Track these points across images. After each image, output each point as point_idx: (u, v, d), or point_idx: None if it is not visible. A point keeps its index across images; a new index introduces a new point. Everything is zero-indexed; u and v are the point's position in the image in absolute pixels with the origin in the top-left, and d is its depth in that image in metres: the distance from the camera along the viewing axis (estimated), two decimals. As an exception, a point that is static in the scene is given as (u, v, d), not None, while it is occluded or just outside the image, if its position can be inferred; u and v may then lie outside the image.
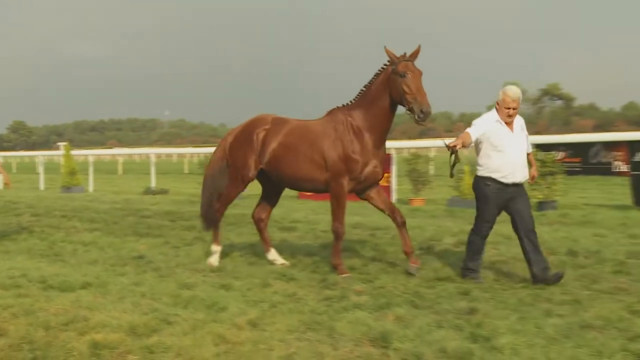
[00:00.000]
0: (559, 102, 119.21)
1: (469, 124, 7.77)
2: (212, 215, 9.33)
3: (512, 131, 7.54)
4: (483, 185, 7.59)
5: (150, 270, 8.47)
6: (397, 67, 7.82)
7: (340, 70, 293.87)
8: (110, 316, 6.12)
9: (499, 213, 7.70)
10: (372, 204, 8.80)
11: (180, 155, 59.47)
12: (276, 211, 15.67)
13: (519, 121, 7.67)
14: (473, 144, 7.65)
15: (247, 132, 8.98)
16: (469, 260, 7.73)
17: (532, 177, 7.89)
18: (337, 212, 8.47)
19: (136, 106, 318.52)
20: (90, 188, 25.13)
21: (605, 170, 24.03)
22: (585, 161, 25.13)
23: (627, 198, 14.98)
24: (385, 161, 17.78)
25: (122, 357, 5.18)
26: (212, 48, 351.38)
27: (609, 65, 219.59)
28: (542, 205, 14.62)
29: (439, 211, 15.03)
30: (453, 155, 7.52)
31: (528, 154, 7.80)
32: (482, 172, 7.61)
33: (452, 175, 7.97)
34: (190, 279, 7.93)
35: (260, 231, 9.41)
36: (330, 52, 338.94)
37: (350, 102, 8.47)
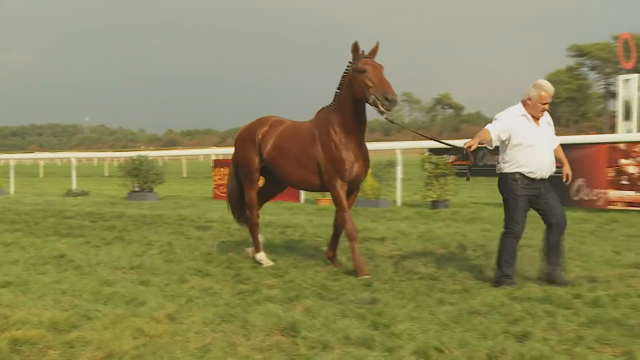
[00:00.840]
0: (450, 111, 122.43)
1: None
2: (245, 216, 9.04)
3: (538, 125, 6.92)
4: (511, 182, 6.87)
5: (71, 268, 8.22)
6: (356, 65, 7.52)
7: (271, 80, 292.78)
8: (31, 313, 5.92)
9: (528, 210, 7.02)
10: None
11: (100, 159, 58.00)
12: (192, 211, 15.59)
13: (545, 117, 7.02)
14: (495, 142, 6.96)
15: (249, 133, 8.66)
16: (504, 267, 6.89)
17: (566, 176, 7.05)
18: (342, 216, 7.96)
19: (57, 112, 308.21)
20: (12, 190, 24.26)
21: (491, 172, 24.61)
22: (472, 164, 25.69)
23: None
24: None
25: (43, 353, 5.01)
26: (131, 55, 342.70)
27: (492, 77, 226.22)
28: (435, 204, 14.97)
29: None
30: (470, 156, 7.02)
31: (556, 150, 7.10)
32: (508, 169, 6.92)
33: (468, 179, 7.83)
34: (111, 276, 7.76)
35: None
36: (248, 60, 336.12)
37: (332, 103, 8.09)
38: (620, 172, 13.04)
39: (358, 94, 7.54)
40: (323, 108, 8.25)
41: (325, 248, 8.79)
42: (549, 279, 6.85)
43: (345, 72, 7.83)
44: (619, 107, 26.28)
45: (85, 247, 10.08)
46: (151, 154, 23.52)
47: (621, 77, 26.51)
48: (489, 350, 4.73)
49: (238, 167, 8.91)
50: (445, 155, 16.61)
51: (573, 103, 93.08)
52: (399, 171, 16.75)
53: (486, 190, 18.83)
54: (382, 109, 7.29)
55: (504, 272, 6.87)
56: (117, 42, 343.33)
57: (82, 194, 22.37)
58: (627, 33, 28.23)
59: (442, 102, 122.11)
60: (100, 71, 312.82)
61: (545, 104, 6.83)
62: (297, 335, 5.22)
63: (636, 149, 12.80)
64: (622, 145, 13.24)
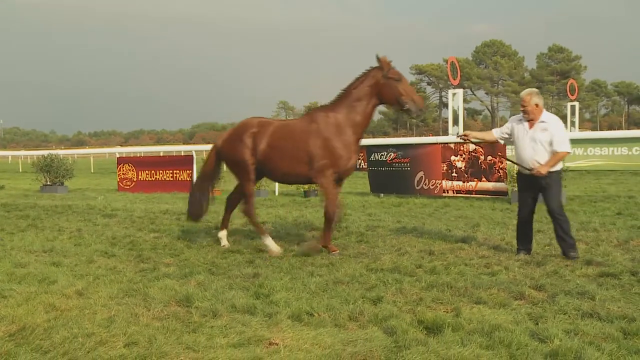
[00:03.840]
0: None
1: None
2: (197, 211, 8.36)
3: (530, 129, 6.84)
4: (517, 174, 7.30)
5: (-15, 254, 7.63)
6: (388, 72, 7.16)
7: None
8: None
9: (531, 199, 7.00)
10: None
11: (14, 157, 54.44)
12: (99, 201, 14.90)
13: (543, 122, 6.80)
14: (500, 140, 7.38)
15: (236, 135, 7.90)
16: (518, 242, 7.12)
17: (533, 169, 6.79)
18: (329, 199, 7.33)
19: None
20: None
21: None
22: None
23: (366, 187, 15.86)
24: (188, 160, 17.55)
25: (-42, 330, 4.61)
26: (45, 58, 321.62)
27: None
28: (307, 194, 15.07)
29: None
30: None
31: (556, 152, 6.72)
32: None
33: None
34: (24, 259, 7.28)
35: (227, 211, 8.43)
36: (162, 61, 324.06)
37: (331, 102, 7.57)
38: (451, 166, 13.66)
39: (389, 99, 7.30)
40: (316, 108, 7.88)
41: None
42: (564, 254, 6.73)
43: (363, 75, 7.41)
44: (449, 115, 27.52)
45: (0, 234, 9.41)
46: (62, 152, 22.32)
47: (450, 91, 27.77)
48: (350, 313, 4.81)
49: (231, 168, 8.14)
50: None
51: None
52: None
53: (348, 182, 19.21)
54: (414, 116, 7.38)
55: (517, 245, 7.12)
56: (28, 47, 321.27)
57: (-3, 187, 20.90)
58: (453, 57, 29.57)
59: (312, 108, 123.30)
60: (13, 73, 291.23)
61: (521, 108, 6.91)
62: (191, 306, 5.11)
63: (462, 149, 13.45)
64: (452, 145, 13.86)
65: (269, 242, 7.70)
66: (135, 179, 18.64)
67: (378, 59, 7.35)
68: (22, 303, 5.24)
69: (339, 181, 7.59)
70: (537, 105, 6.83)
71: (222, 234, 8.30)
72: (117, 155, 22.60)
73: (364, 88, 7.37)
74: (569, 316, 4.62)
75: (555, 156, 6.76)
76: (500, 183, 12.90)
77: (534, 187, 6.93)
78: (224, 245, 8.06)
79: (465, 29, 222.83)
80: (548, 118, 6.89)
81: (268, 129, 7.77)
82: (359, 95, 7.38)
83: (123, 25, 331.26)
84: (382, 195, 14.49)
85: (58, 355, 4.04)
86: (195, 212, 8.43)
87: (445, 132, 50.22)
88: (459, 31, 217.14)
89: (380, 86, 7.29)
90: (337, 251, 7.36)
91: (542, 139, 6.77)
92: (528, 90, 7.00)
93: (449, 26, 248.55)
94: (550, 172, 6.77)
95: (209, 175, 8.46)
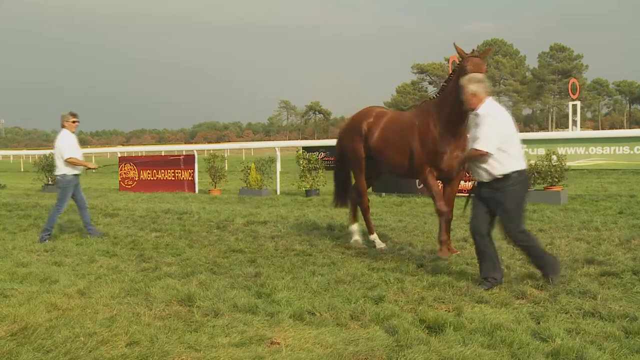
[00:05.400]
0: (320, 116, 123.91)
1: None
2: (342, 199, 8.49)
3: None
4: None
5: (-13, 253, 7.66)
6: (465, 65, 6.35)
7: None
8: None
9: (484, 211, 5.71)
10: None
11: (16, 156, 54.54)
12: (101, 201, 14.92)
13: (476, 117, 5.62)
14: None
15: (354, 125, 7.82)
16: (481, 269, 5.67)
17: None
18: (435, 197, 6.89)
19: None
20: None
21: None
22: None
23: (367, 186, 15.80)
24: (189, 160, 17.55)
25: (-39, 329, 4.62)
26: (46, 58, 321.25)
27: (355, 89, 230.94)
28: (308, 193, 15.08)
29: (232, 199, 15.00)
30: None
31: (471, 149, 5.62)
32: None
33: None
34: (26, 258, 7.31)
35: (352, 204, 8.20)
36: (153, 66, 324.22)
37: (436, 95, 7.14)
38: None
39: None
40: (425, 101, 7.43)
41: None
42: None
43: (453, 71, 6.84)
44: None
45: (1, 234, 9.43)
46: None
47: (452, 91, 27.74)
48: (351, 312, 4.81)
49: (346, 158, 8.06)
50: (316, 153, 16.80)
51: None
52: (278, 165, 16.77)
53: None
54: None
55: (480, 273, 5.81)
56: (30, 47, 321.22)
57: (-2, 187, 20.93)
58: (455, 56, 29.59)
59: (313, 108, 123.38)
60: (15, 74, 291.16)
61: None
62: (193, 305, 5.12)
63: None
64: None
65: (374, 238, 7.88)
66: (136, 179, 18.66)
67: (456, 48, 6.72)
68: (24, 302, 5.26)
69: (447, 180, 7.14)
70: (474, 94, 5.60)
71: (354, 227, 8.12)
72: (119, 155, 22.65)
73: (454, 81, 6.62)
74: (571, 315, 4.62)
75: (469, 152, 5.66)
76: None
77: (486, 199, 5.63)
78: (355, 240, 7.96)
79: (467, 27, 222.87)
80: (483, 110, 5.56)
81: (382, 119, 7.57)
82: (451, 89, 6.68)
83: (124, 24, 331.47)
84: (383, 194, 14.48)
85: (60, 354, 4.05)
86: (339, 202, 8.62)
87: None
88: (460, 30, 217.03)
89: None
90: (447, 255, 6.78)
91: (472, 135, 5.72)
92: (468, 76, 5.80)
93: (451, 25, 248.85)
94: (498, 181, 5.47)
95: (339, 165, 8.44)
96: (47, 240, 8.63)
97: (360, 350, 4.02)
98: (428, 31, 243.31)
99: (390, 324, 4.46)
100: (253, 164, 15.76)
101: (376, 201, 13.34)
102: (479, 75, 5.77)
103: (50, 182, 18.99)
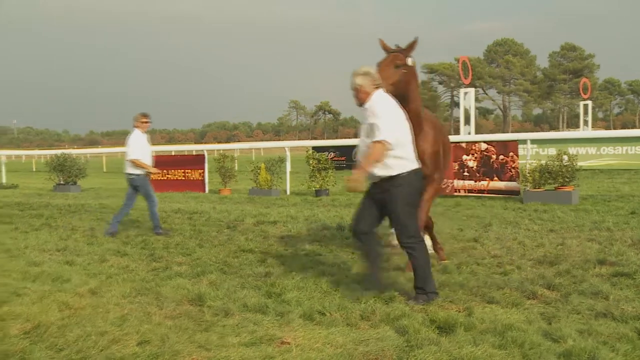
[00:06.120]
0: (330, 116, 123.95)
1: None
2: None
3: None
4: None
5: (1, 252, 7.70)
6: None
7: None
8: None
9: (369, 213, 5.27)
10: None
11: (28, 156, 54.96)
12: (112, 200, 14.98)
13: (366, 111, 5.09)
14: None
15: None
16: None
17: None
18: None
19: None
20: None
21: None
22: (348, 159, 26.16)
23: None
24: (200, 160, 17.60)
25: (-26, 328, 4.66)
26: (59, 60, 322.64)
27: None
28: (318, 193, 15.09)
29: (241, 199, 15.03)
30: None
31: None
32: None
33: None
34: (38, 258, 7.36)
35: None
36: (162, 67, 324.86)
37: None
38: (463, 165, 13.61)
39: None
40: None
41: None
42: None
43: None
44: (460, 114, 27.46)
45: (14, 233, 9.50)
46: (75, 151, 22.47)
47: (462, 90, 27.70)
48: (362, 312, 4.80)
49: None
50: (325, 153, 16.80)
51: (427, 110, 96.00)
52: (288, 165, 16.79)
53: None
54: None
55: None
56: (42, 49, 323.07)
57: (11, 186, 21.08)
58: (465, 56, 29.48)
59: (323, 108, 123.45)
60: (26, 75, 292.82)
61: None
62: (203, 305, 5.13)
63: (474, 148, 13.40)
64: (463, 144, 13.82)
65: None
66: (147, 179, 18.72)
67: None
68: (37, 301, 5.28)
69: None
70: (360, 86, 5.07)
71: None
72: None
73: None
74: (583, 316, 4.59)
75: (369, 151, 4.94)
76: (512, 182, 12.85)
77: (376, 198, 5.16)
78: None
79: (477, 26, 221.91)
80: (372, 103, 5.04)
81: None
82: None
83: (133, 25, 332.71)
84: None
85: (72, 353, 4.07)
86: None
87: (457, 132, 50.10)
88: (469, 30, 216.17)
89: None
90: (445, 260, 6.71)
91: (365, 132, 5.12)
92: (357, 69, 5.16)
93: (460, 25, 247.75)
94: (390, 179, 4.97)
95: None
96: (115, 231, 9.12)
97: (371, 351, 4.00)
98: (436, 31, 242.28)
99: (401, 324, 4.44)
100: (263, 164, 15.80)
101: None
102: (365, 68, 5.17)
103: (62, 182, 19.12)
